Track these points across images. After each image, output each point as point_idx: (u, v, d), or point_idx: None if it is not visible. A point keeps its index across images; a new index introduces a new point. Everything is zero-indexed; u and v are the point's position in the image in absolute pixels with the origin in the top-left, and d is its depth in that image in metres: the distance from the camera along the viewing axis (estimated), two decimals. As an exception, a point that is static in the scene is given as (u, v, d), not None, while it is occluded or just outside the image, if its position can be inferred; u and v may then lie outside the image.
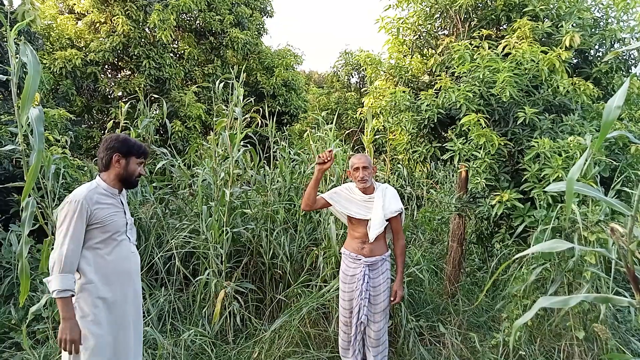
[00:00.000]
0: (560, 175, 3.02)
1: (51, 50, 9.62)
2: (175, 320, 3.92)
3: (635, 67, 3.94)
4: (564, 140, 3.20)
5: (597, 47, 4.13)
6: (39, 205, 2.97)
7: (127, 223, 2.51)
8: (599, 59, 4.08)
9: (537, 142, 3.24)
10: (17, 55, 2.81)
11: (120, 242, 2.45)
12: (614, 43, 4.00)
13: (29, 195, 2.73)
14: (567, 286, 2.91)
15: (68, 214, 2.25)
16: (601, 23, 4.16)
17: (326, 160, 3.06)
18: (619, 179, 3.10)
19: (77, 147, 8.91)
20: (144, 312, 3.85)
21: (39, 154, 2.55)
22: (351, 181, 3.26)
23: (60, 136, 5.23)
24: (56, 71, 9.11)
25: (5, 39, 2.86)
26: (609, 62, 3.86)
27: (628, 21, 4.07)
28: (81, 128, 9.60)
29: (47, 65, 9.00)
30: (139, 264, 2.62)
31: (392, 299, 3.11)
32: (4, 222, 4.30)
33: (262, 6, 13.11)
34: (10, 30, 2.88)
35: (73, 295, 2.22)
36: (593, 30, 4.07)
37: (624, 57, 3.98)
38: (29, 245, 2.72)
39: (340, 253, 3.38)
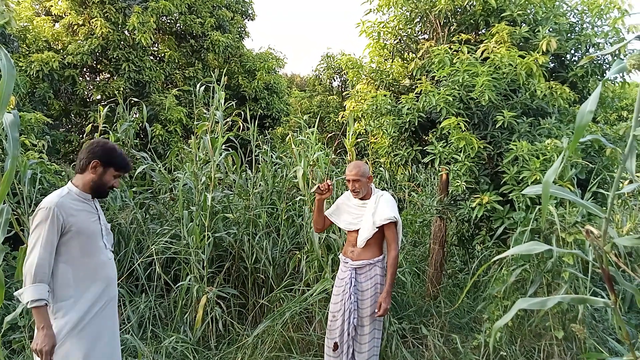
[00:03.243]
0: (538, 178, 3.08)
1: (27, 52, 9.42)
2: (156, 327, 3.87)
3: (609, 71, 4.04)
4: (541, 143, 3.26)
5: (572, 51, 4.22)
6: (15, 212, 2.91)
7: (102, 229, 2.41)
8: (574, 63, 4.17)
9: (516, 145, 3.30)
10: (-9, 59, 2.74)
11: (98, 249, 2.36)
12: (589, 48, 4.10)
13: (4, 202, 2.66)
14: (546, 287, 2.96)
15: (41, 221, 2.17)
16: (577, 28, 4.26)
17: (325, 191, 3.12)
18: (595, 181, 3.17)
19: (54, 152, 8.74)
20: (124, 319, 3.79)
21: (14, 160, 2.46)
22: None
23: (37, 140, 5.12)
24: (33, 74, 8.92)
25: (-21, 42, 2.80)
26: (585, 66, 3.95)
27: (602, 26, 4.17)
28: (59, 132, 9.43)
29: (23, 68, 8.81)
30: (116, 270, 2.54)
31: (375, 310, 3.01)
32: (-23, 229, 4.19)
33: (243, 9, 13.07)
34: (-16, 32, 2.82)
35: (47, 304, 2.15)
36: (569, 35, 4.16)
37: (599, 62, 4.08)
38: (3, 252, 2.64)
39: (323, 257, 3.37)
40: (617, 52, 3.83)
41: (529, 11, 4.10)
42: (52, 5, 10.05)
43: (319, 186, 3.13)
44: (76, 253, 2.26)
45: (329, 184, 3.13)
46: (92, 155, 2.33)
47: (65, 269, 2.23)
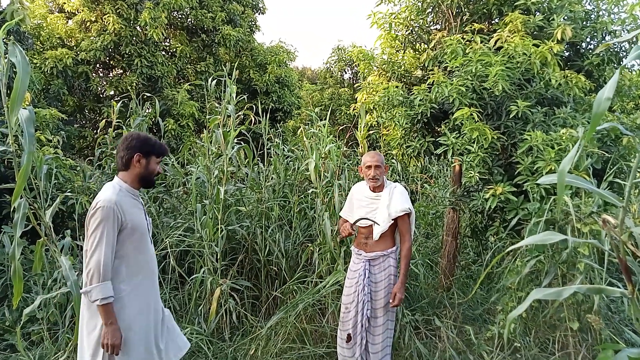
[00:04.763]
0: (553, 168, 3.04)
1: (41, 49, 9.54)
2: (171, 319, 3.91)
3: (627, 59, 3.95)
4: (556, 133, 3.21)
5: (588, 39, 4.15)
6: (31, 207, 2.95)
7: (148, 224, 2.49)
8: (590, 51, 4.09)
9: (530, 135, 3.25)
10: (6, 56, 2.77)
11: (147, 244, 2.44)
12: (605, 35, 4.02)
13: (21, 197, 2.70)
14: (561, 278, 2.93)
15: (102, 220, 2.21)
16: (592, 16, 4.18)
17: (347, 235, 3.21)
18: (611, 171, 3.11)
19: (69, 147, 8.85)
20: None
21: (30, 155, 2.52)
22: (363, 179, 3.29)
23: (52, 136, 5.19)
24: (47, 71, 9.03)
25: (-6, 39, 2.83)
26: (601, 54, 3.88)
27: (619, 13, 4.09)
28: (73, 128, 9.53)
29: (37, 64, 8.93)
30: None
31: (390, 300, 3.03)
32: (-4, 223, 4.27)
33: (253, 3, 13.06)
34: (-1, 29, 2.85)
35: (113, 300, 2.21)
36: (584, 23, 4.08)
37: (615, 50, 4.00)
38: (21, 246, 2.70)
39: (335, 249, 3.38)
40: (634, 39, 3.75)
41: (543, -1, 4.03)
42: (65, 2, 10.15)
43: (342, 234, 3.24)
44: (130, 249, 2.31)
45: (351, 232, 3.17)
46: (132, 151, 2.37)
47: (119, 264, 2.28)
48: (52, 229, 3.15)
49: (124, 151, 2.38)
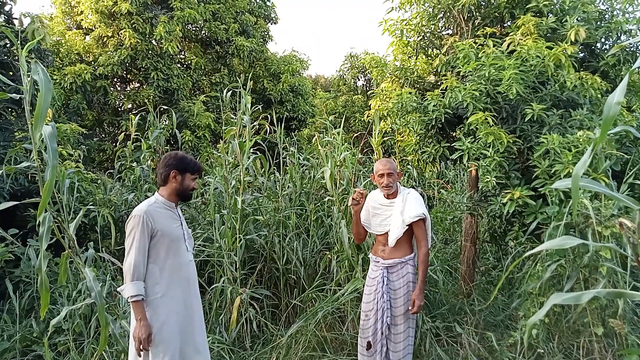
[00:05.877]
0: (570, 171, 3.01)
1: (61, 65, 9.78)
2: (192, 328, 3.95)
3: (636, 62, 3.89)
4: (573, 135, 3.18)
5: (603, 40, 4.11)
6: (55, 220, 3.02)
7: (184, 233, 2.69)
8: (605, 52, 4.05)
9: (546, 138, 3.23)
10: (29, 74, 2.86)
11: (181, 251, 2.63)
12: (621, 35, 3.97)
13: (45, 210, 2.77)
14: (584, 282, 2.89)
15: (133, 228, 2.48)
16: (606, 16, 4.14)
17: (359, 201, 3.18)
18: (631, 172, 3.07)
19: (89, 161, 9.04)
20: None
21: (54, 170, 2.58)
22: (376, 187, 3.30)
23: (73, 150, 5.32)
24: (66, 86, 9.25)
25: (17, 57, 2.93)
26: (616, 54, 3.84)
27: (634, 12, 4.04)
28: (93, 141, 9.73)
29: (57, 80, 9.15)
30: (196, 271, 2.79)
31: (409, 307, 3.02)
32: (22, 237, 4.38)
33: (266, 13, 13.21)
34: (22, 49, 2.94)
35: (144, 299, 2.44)
36: (598, 23, 4.05)
37: (631, 49, 3.95)
38: (47, 259, 2.76)
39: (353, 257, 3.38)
40: (650, 38, 3.71)
41: (555, 1, 4.00)
42: (82, 19, 10.40)
43: (352, 197, 3.18)
44: (162, 255, 2.56)
45: (361, 191, 3.17)
46: (169, 168, 2.63)
47: (154, 269, 2.53)
48: (75, 242, 3.22)
49: (163, 168, 2.64)
